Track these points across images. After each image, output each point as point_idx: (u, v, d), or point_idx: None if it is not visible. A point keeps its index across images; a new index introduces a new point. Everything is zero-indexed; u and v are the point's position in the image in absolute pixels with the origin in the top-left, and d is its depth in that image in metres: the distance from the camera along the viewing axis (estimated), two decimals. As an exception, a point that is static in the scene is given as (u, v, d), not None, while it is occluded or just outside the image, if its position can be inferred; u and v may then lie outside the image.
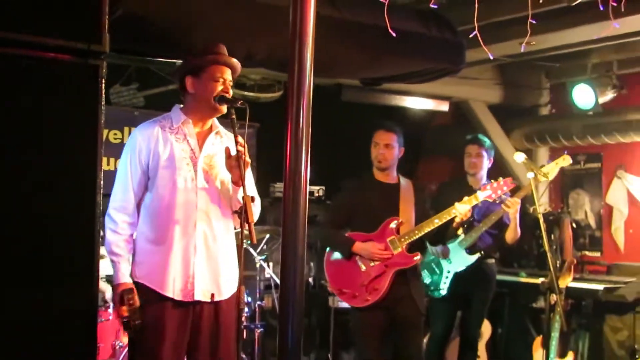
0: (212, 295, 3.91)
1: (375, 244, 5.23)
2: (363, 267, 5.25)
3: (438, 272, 5.96)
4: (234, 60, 4.04)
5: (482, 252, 5.99)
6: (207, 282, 3.92)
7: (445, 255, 5.87)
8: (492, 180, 5.51)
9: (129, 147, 3.96)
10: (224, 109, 3.96)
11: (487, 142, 6.25)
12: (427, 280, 5.93)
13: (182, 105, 4.08)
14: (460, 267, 5.94)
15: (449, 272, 5.93)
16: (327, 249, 5.49)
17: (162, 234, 3.89)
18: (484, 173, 6.13)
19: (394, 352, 5.42)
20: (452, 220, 5.34)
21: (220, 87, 3.94)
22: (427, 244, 5.70)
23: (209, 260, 3.94)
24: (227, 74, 4.00)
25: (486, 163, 6.15)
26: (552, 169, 5.65)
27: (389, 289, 5.18)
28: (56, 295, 1.85)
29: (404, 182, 5.46)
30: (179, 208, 3.89)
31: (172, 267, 3.87)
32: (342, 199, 5.61)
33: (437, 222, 5.24)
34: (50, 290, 1.86)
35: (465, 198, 5.37)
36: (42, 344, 1.86)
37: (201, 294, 3.90)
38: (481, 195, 5.38)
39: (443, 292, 5.92)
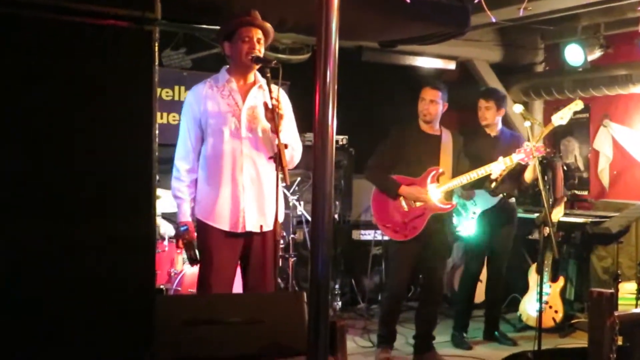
0: (261, 226, 3.97)
1: (420, 189, 5.24)
2: (406, 208, 5.30)
3: (465, 214, 5.93)
4: (260, 21, 4.00)
5: (505, 194, 5.93)
6: (255, 216, 3.98)
7: (470, 197, 5.81)
8: (527, 145, 5.31)
9: (185, 107, 4.05)
10: (254, 67, 3.97)
11: (497, 94, 6.09)
12: (454, 221, 5.88)
13: (227, 67, 4.09)
14: (484, 208, 5.89)
15: (474, 213, 5.90)
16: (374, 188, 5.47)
17: (215, 177, 3.97)
18: (493, 121, 5.97)
19: (419, 278, 5.53)
20: (488, 175, 5.29)
21: (246, 47, 3.92)
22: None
23: (257, 197, 4.00)
24: (256, 35, 3.96)
25: (494, 113, 5.95)
26: (565, 114, 5.49)
27: (425, 227, 5.24)
28: (120, 225, 1.87)
29: (445, 133, 5.42)
30: (227, 154, 3.94)
31: (225, 204, 3.96)
32: (390, 145, 5.48)
33: (474, 176, 5.24)
34: (115, 221, 1.88)
35: (501, 158, 5.29)
36: (109, 267, 1.88)
37: (251, 226, 3.96)
38: (515, 158, 5.28)
39: (471, 232, 5.88)
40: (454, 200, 5.55)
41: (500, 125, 6.05)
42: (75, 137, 1.85)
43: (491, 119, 5.97)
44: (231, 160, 3.94)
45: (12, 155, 1.78)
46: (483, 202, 5.88)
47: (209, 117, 3.95)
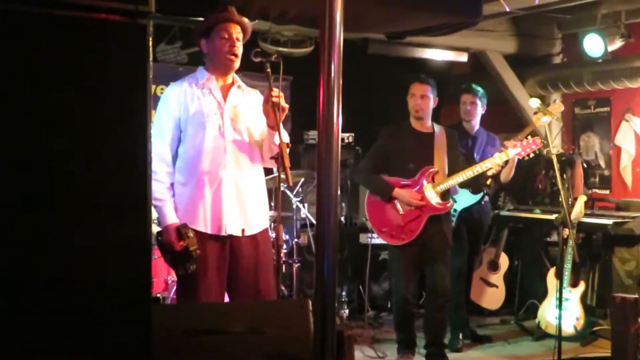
0: (243, 230, 3.99)
1: (413, 192, 5.34)
2: (401, 211, 5.38)
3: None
4: (238, 17, 4.04)
5: (486, 192, 6.03)
6: (236, 218, 3.99)
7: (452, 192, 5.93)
8: (522, 138, 5.50)
9: (162, 104, 4.05)
10: (236, 64, 3.99)
11: (480, 90, 6.27)
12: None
13: (204, 65, 4.12)
14: (465, 205, 5.99)
15: (455, 210, 5.97)
16: (368, 191, 5.60)
17: (196, 179, 3.97)
18: (478, 119, 6.22)
19: (424, 281, 5.59)
20: (484, 172, 5.41)
21: (227, 45, 3.96)
22: None
23: (238, 198, 4.01)
24: (235, 31, 4.00)
25: (480, 110, 6.22)
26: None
27: (422, 230, 5.32)
28: (114, 230, 1.88)
29: (437, 129, 5.52)
30: (209, 153, 3.95)
31: (207, 206, 3.96)
32: (381, 145, 5.62)
33: (470, 174, 5.34)
34: (108, 225, 1.88)
35: (497, 154, 5.44)
36: (102, 274, 1.89)
37: (233, 229, 3.96)
38: (511, 152, 5.45)
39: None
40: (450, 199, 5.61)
41: (479, 125, 6.25)
42: (66, 136, 1.85)
43: (476, 115, 6.20)
44: (213, 159, 3.95)
45: (4, 155, 1.79)
46: (463, 199, 5.98)
47: (191, 116, 3.96)
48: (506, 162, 5.67)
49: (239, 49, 4.01)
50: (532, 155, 5.55)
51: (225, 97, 4.05)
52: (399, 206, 5.38)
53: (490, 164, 5.38)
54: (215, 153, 3.95)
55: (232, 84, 4.12)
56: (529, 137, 5.53)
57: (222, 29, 3.98)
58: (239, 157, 4.01)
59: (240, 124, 4.04)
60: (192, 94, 4.00)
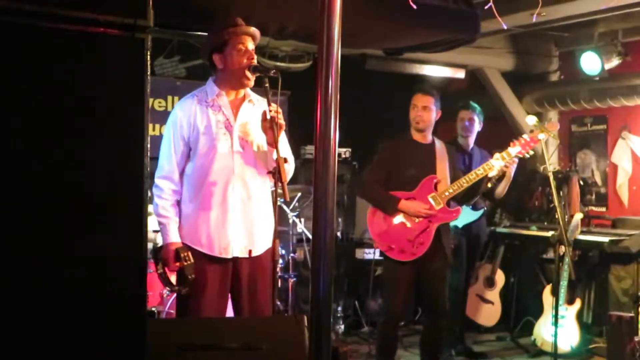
0: (250, 251, 3.94)
1: (419, 202, 5.14)
2: (409, 224, 5.16)
3: None
4: (252, 29, 4.00)
5: (486, 208, 6.01)
6: (243, 240, 3.94)
7: None
8: (520, 138, 5.24)
9: (171, 122, 3.99)
10: (252, 80, 3.96)
11: (478, 108, 6.29)
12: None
13: (214, 78, 4.07)
14: (466, 222, 5.97)
15: (456, 226, 5.95)
16: (370, 207, 5.34)
17: (202, 198, 3.92)
18: (474, 136, 6.26)
19: (421, 301, 5.46)
20: (486, 175, 5.21)
21: (245, 58, 3.93)
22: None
23: (245, 220, 3.95)
24: (248, 43, 3.96)
25: (477, 127, 6.25)
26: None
27: (432, 242, 5.13)
28: (109, 243, 1.87)
29: (437, 143, 5.36)
30: (217, 173, 3.89)
31: (212, 227, 3.90)
32: (381, 160, 5.40)
33: (473, 177, 5.15)
34: (104, 239, 1.88)
35: (497, 154, 5.22)
36: (97, 287, 1.88)
37: (239, 251, 3.92)
38: (512, 152, 5.18)
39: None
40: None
41: (473, 142, 6.28)
42: (62, 150, 1.85)
43: (474, 132, 6.21)
44: (221, 179, 3.89)
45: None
46: (463, 216, 5.88)
47: (200, 134, 3.90)
48: (505, 167, 5.57)
49: (255, 59, 3.98)
50: (531, 152, 5.34)
51: (235, 114, 3.97)
52: (405, 220, 5.17)
53: (492, 164, 5.16)
54: (223, 173, 3.91)
55: (244, 98, 4.06)
56: (526, 135, 5.27)
57: (236, 42, 3.92)
58: (246, 176, 3.96)
59: (249, 141, 3.97)
60: (202, 112, 3.93)
